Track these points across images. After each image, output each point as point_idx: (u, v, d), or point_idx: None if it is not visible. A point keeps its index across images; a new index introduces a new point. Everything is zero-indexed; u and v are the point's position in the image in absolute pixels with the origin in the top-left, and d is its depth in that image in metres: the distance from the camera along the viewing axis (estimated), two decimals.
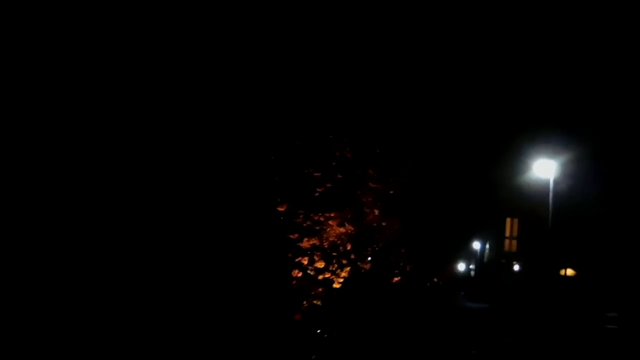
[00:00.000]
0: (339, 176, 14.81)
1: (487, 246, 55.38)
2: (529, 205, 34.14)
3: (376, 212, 16.45)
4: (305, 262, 15.48)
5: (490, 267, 50.77)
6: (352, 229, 15.31)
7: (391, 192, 16.23)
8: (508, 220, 47.46)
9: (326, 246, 14.87)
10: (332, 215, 14.93)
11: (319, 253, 15.04)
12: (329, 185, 14.83)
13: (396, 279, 19.52)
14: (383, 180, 15.74)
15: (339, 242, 15.18)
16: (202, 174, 14.02)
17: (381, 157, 15.80)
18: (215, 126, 14.42)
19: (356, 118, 15.39)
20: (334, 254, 15.21)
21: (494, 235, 50.66)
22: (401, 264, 19.63)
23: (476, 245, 58.49)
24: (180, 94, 13.74)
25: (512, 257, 45.80)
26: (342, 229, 14.98)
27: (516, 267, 44.37)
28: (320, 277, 16.17)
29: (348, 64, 15.57)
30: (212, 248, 14.47)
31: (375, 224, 16.35)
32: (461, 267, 67.02)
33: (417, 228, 18.66)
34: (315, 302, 15.95)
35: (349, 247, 15.55)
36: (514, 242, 47.01)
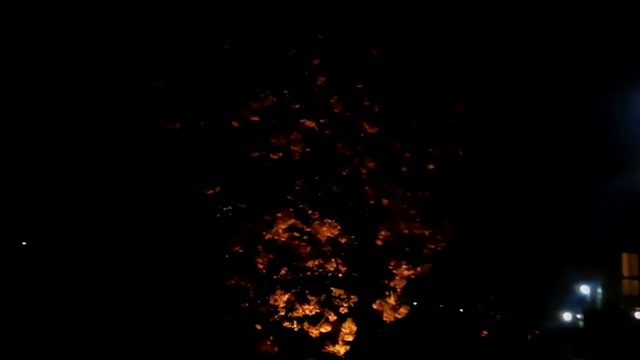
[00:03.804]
0: (295, 107, 7.48)
1: (599, 289, 47.38)
2: None
3: (411, 211, 8.77)
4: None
5: (605, 315, 44.73)
6: (338, 230, 7.63)
7: (431, 166, 8.53)
8: (624, 255, 41.63)
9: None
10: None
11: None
12: (296, 148, 7.35)
13: (484, 332, 13.56)
14: (396, 130, 8.04)
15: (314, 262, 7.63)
16: None
17: (385, 68, 7.98)
18: None
19: None
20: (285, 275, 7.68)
21: (607, 275, 44.89)
22: (491, 312, 13.55)
23: (584, 289, 50.26)
24: None
25: (633, 302, 41.10)
26: (325, 230, 7.46)
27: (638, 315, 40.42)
28: (315, 331, 8.83)
29: None
30: None
31: (406, 231, 8.59)
32: (567, 316, 59.08)
33: (485, 246, 10.72)
34: None
35: (337, 268, 7.79)
36: (635, 282, 41.24)
